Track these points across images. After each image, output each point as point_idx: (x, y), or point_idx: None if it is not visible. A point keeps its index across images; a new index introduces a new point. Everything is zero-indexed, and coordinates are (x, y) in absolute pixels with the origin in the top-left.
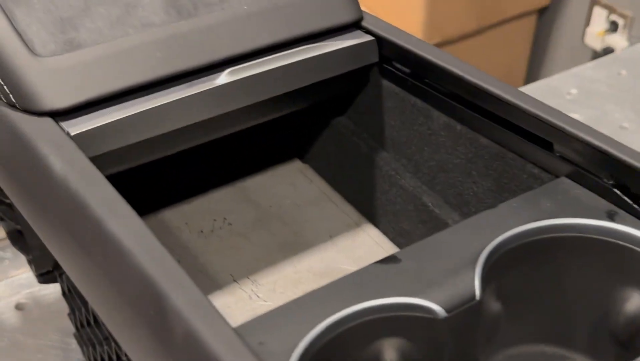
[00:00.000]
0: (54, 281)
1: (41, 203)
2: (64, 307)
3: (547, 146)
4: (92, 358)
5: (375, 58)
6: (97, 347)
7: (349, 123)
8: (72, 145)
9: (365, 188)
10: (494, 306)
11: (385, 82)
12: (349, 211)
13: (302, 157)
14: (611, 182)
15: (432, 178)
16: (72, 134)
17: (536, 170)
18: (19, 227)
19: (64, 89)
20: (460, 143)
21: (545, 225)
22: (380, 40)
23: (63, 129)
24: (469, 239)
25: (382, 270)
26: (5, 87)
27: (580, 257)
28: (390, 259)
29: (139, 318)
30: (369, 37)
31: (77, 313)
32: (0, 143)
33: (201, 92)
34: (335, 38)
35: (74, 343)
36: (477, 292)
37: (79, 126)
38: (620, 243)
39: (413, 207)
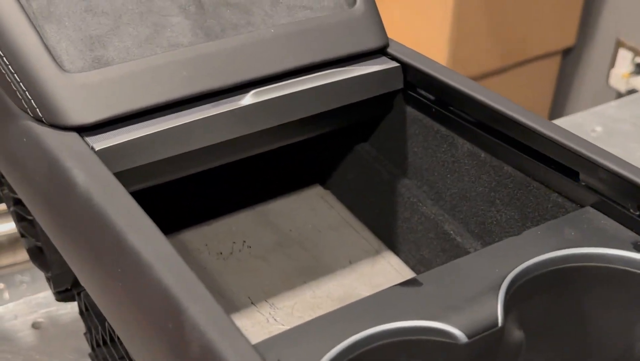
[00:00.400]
0: (72, 299)
1: (63, 217)
2: (81, 327)
3: (573, 175)
4: None
5: (400, 85)
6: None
7: (371, 150)
8: (96, 160)
9: (386, 215)
10: (515, 334)
11: (409, 109)
12: (369, 237)
13: (323, 182)
14: (638, 213)
15: (454, 206)
16: (97, 149)
17: (561, 199)
18: (39, 244)
19: (90, 104)
20: (484, 171)
21: (569, 254)
22: (405, 67)
23: (88, 144)
24: (492, 265)
25: (403, 293)
26: (32, 101)
27: (603, 288)
28: (411, 282)
29: (157, 332)
30: (394, 64)
31: (93, 332)
32: (25, 157)
33: (226, 112)
34: (361, 63)
35: None
36: (500, 319)
37: (104, 141)
38: None
39: (434, 235)
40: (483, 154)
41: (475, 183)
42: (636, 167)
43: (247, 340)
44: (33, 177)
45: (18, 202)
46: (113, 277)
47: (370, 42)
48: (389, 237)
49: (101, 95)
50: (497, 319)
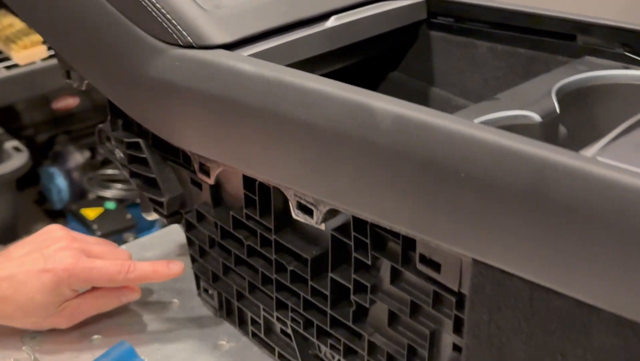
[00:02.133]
0: (179, 221)
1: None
2: None
3: (571, 38)
4: (210, 279)
5: (424, 15)
6: (216, 268)
7: (400, 75)
8: (251, 59)
9: None
10: (562, 129)
11: (433, 33)
12: None
13: None
14: (622, 49)
15: (480, 96)
16: (246, 54)
17: (565, 59)
18: (153, 175)
19: (228, 29)
20: (502, 59)
21: (587, 77)
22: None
23: (239, 53)
24: (541, 85)
25: (489, 104)
26: (184, 32)
27: (615, 97)
28: (491, 99)
29: None
30: None
31: (198, 243)
32: (178, 76)
33: (316, 32)
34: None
35: None
36: (557, 108)
37: (243, 52)
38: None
39: None
40: (500, 46)
41: (495, 70)
42: (615, 20)
43: None
44: (189, 90)
45: (130, 146)
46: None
47: None
48: None
49: (233, 23)
50: (555, 109)
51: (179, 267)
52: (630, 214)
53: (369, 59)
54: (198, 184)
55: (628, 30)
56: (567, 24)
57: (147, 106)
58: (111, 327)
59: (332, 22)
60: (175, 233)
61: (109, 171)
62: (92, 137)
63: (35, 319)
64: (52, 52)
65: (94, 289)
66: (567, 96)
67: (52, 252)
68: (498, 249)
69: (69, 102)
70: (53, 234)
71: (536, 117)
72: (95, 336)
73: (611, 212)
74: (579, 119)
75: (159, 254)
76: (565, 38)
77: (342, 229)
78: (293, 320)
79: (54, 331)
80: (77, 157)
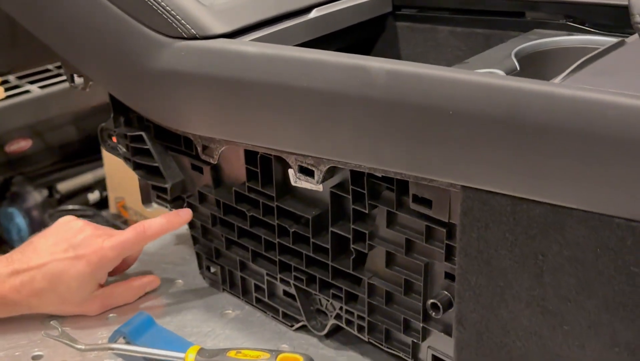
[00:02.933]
0: (181, 206)
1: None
2: None
3: (520, 15)
4: (213, 256)
5: (389, 8)
6: (219, 244)
7: None
8: (252, 42)
9: None
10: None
11: (398, 24)
12: None
13: None
14: (565, 20)
15: None
16: (249, 40)
17: (517, 33)
18: (157, 164)
19: (225, 21)
20: (462, 40)
21: (540, 42)
22: None
23: (240, 40)
24: (501, 51)
25: (461, 66)
26: (187, 25)
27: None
28: (462, 63)
29: None
30: None
31: (199, 224)
32: (185, 65)
33: (301, 22)
34: None
35: None
36: (517, 66)
37: (242, 39)
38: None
39: None
40: (459, 29)
41: (456, 50)
42: None
43: None
44: (195, 76)
45: (134, 139)
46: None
47: None
48: None
49: (230, 15)
50: (516, 67)
51: (188, 213)
52: (593, 124)
53: (346, 48)
54: (199, 169)
55: (569, 3)
56: (516, 3)
57: (152, 98)
58: (124, 306)
59: (314, 13)
60: None
61: (70, 206)
62: (49, 177)
63: (69, 307)
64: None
65: (122, 282)
66: (523, 59)
67: (80, 240)
68: (483, 173)
69: (22, 144)
70: (73, 224)
71: (502, 73)
72: (111, 315)
73: (577, 124)
74: (535, 76)
75: (157, 245)
76: (516, 15)
77: (340, 186)
78: (296, 278)
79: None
80: (36, 196)
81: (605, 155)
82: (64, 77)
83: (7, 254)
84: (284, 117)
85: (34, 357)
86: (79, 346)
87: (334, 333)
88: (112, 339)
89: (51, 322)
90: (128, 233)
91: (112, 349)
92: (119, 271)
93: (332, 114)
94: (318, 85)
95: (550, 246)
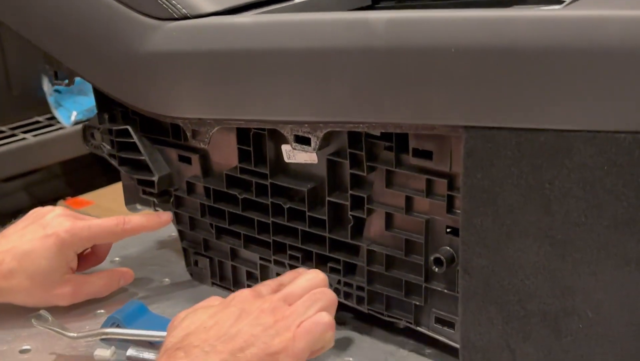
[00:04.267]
0: (169, 200)
1: (233, 57)
2: None
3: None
4: (202, 248)
5: (368, 2)
6: (208, 235)
7: None
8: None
9: None
10: None
11: None
12: None
13: None
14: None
15: None
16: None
17: None
18: (143, 158)
19: (215, 1)
20: None
21: None
22: None
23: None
24: None
25: None
26: (179, 5)
27: None
28: None
29: None
30: None
31: (188, 214)
32: (177, 44)
33: (287, 5)
34: None
35: None
36: None
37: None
38: None
39: None
40: None
41: None
42: None
43: None
44: (188, 55)
45: (119, 133)
46: None
47: None
48: None
49: None
50: None
51: (168, 215)
52: (595, 40)
53: None
54: (187, 159)
55: None
56: None
57: (142, 84)
58: (113, 303)
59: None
60: (152, 233)
61: None
62: None
63: (39, 291)
64: None
65: (95, 272)
66: None
67: (49, 220)
68: (487, 109)
69: None
70: (44, 210)
71: None
72: (100, 311)
73: (579, 43)
74: None
75: (139, 250)
76: (500, 5)
77: (336, 154)
78: (291, 257)
79: (58, 310)
80: None
81: (608, 71)
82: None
83: None
84: (280, 84)
85: (21, 351)
86: (70, 334)
87: None
88: (105, 326)
89: (40, 311)
90: (106, 221)
91: (107, 334)
92: (88, 265)
93: (330, 72)
94: (316, 44)
95: (558, 172)
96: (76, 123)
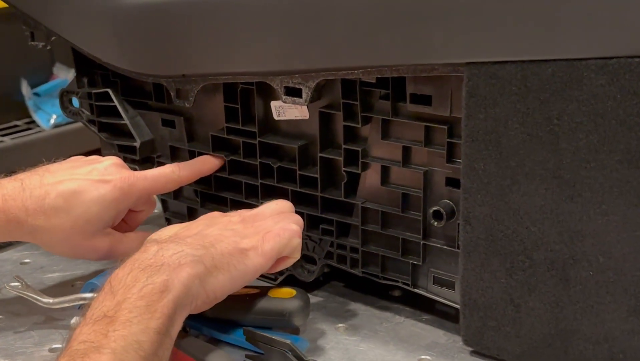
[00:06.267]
0: (151, 167)
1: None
2: None
3: None
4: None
5: None
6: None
7: None
8: None
9: None
10: None
11: None
12: None
13: None
14: None
15: None
16: None
17: None
18: (124, 122)
19: None
20: None
21: None
22: None
23: None
24: None
25: None
26: None
27: None
28: None
29: None
30: None
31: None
32: None
33: None
34: None
35: None
36: None
37: None
38: None
39: None
40: None
41: None
42: None
43: None
44: (171, 8)
45: (99, 97)
46: None
47: None
48: None
49: None
50: None
51: (222, 157)
52: None
53: None
54: (171, 123)
55: None
56: None
57: (121, 40)
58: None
59: None
60: None
61: None
62: None
63: (79, 238)
64: None
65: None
66: None
67: (106, 165)
68: (491, 42)
69: None
70: (96, 156)
71: None
72: (78, 282)
73: None
74: None
75: None
76: None
77: (329, 107)
78: None
79: (34, 279)
80: None
81: None
82: None
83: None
84: (269, 31)
85: None
86: (46, 300)
87: (322, 285)
88: (84, 292)
89: (14, 276)
90: (162, 170)
91: (85, 299)
92: (128, 228)
93: (321, 12)
94: None
95: (566, 106)
96: (55, 127)
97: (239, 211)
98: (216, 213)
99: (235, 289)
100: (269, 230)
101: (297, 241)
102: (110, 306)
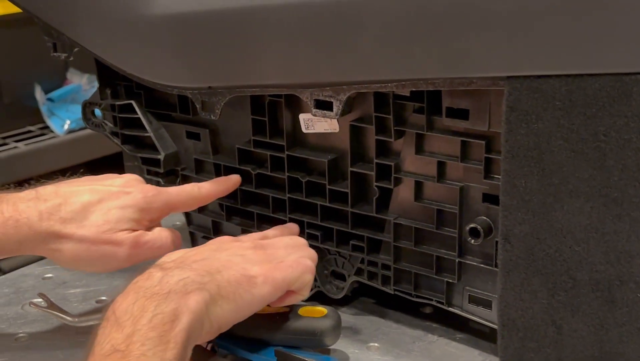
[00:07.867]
0: (175, 180)
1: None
2: None
3: None
4: (211, 231)
5: None
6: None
7: None
8: None
9: None
10: None
11: None
12: None
13: None
14: None
15: None
16: None
17: None
18: (148, 134)
19: None
20: None
21: None
22: None
23: None
24: None
25: None
26: None
27: None
28: None
29: None
30: None
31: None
32: (194, 2)
33: None
34: None
35: None
36: None
37: None
38: None
39: None
40: None
41: None
42: None
43: None
44: (199, 18)
45: (123, 109)
46: None
47: None
48: None
49: None
50: None
51: (237, 177)
52: None
53: None
54: (195, 135)
55: None
56: None
57: (146, 51)
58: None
59: None
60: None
61: None
62: None
63: (94, 240)
64: None
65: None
66: None
67: (125, 180)
68: (535, 55)
69: None
70: (112, 175)
71: None
72: (103, 297)
73: None
74: None
75: None
76: None
77: (360, 120)
78: (310, 236)
79: (58, 295)
80: None
81: None
82: None
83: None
84: (299, 42)
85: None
86: (71, 318)
87: (351, 301)
88: None
89: (38, 293)
90: (183, 187)
91: None
92: None
93: (355, 26)
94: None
95: (614, 122)
96: (69, 132)
97: (251, 235)
98: (226, 238)
99: (241, 319)
100: (281, 260)
101: (309, 278)
102: (119, 339)
